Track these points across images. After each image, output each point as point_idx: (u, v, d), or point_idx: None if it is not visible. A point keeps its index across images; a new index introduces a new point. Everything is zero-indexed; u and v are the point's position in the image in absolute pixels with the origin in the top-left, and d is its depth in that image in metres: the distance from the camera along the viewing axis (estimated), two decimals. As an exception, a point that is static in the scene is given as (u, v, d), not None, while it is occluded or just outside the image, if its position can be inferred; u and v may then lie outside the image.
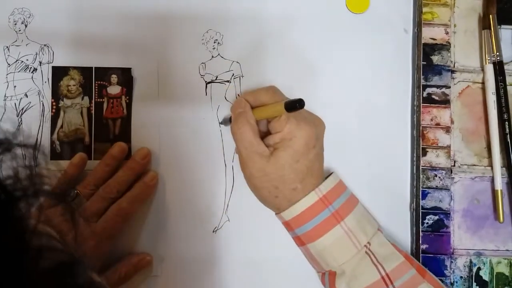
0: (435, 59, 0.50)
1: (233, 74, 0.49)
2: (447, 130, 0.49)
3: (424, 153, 0.49)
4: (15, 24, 0.48)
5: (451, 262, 0.48)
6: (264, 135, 0.44)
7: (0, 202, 0.20)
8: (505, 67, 0.50)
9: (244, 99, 0.44)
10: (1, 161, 0.21)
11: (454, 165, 0.50)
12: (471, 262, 0.48)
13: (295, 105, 0.39)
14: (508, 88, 0.49)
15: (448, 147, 0.49)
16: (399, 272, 0.42)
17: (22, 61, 0.48)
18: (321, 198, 0.42)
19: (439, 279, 0.47)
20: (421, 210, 0.48)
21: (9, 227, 0.19)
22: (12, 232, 0.19)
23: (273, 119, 0.43)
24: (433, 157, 0.49)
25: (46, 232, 0.21)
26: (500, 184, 0.49)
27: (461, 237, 0.49)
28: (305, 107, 0.39)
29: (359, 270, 0.42)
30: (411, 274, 0.42)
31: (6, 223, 0.19)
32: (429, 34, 0.50)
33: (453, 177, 0.49)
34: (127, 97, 0.48)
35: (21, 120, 0.47)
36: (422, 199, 0.48)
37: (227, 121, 0.47)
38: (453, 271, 0.48)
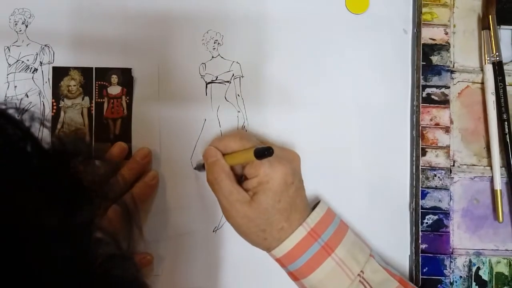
0: (435, 59, 0.50)
1: (233, 75, 0.49)
2: (447, 130, 0.49)
3: (424, 153, 0.49)
4: (16, 25, 0.48)
5: (451, 261, 0.48)
6: (239, 178, 0.44)
7: (77, 200, 0.24)
8: (505, 67, 0.50)
9: (214, 148, 0.44)
10: (80, 164, 0.25)
11: (453, 165, 0.50)
12: (470, 261, 0.49)
13: (264, 153, 0.39)
14: (508, 88, 0.49)
15: (448, 147, 0.49)
16: None
17: (23, 61, 0.48)
18: (309, 232, 0.42)
19: (438, 279, 0.47)
20: (420, 210, 0.48)
21: (80, 220, 0.23)
22: (82, 224, 0.23)
23: (247, 165, 0.42)
24: (433, 157, 0.49)
25: (105, 227, 0.25)
26: (499, 184, 0.49)
27: (460, 237, 0.49)
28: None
29: None
30: None
31: (78, 217, 0.23)
32: (429, 34, 0.50)
33: (453, 177, 0.49)
34: (128, 97, 0.48)
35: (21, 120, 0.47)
36: (421, 199, 0.48)
37: (200, 167, 0.47)
38: (453, 271, 0.48)
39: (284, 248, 0.42)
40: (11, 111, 0.25)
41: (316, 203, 0.45)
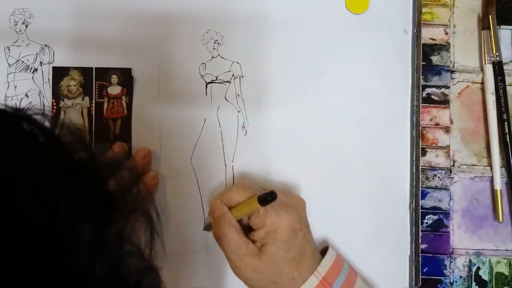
0: (435, 59, 0.50)
1: (233, 74, 0.49)
2: (447, 130, 0.49)
3: (424, 153, 0.49)
4: (16, 25, 0.48)
5: (451, 261, 0.48)
6: (245, 229, 0.43)
7: (109, 213, 0.24)
8: (504, 67, 0.50)
9: (220, 201, 0.43)
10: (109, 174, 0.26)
11: (453, 165, 0.50)
12: (470, 261, 0.49)
13: (267, 199, 0.38)
14: (507, 88, 0.49)
15: (448, 147, 0.49)
16: None
17: (23, 61, 0.48)
18: (321, 281, 0.41)
19: (438, 279, 0.47)
20: (420, 210, 0.48)
21: (113, 232, 0.24)
22: (114, 236, 0.24)
23: (253, 215, 0.41)
24: (433, 157, 0.49)
25: (132, 239, 0.25)
26: (499, 184, 0.49)
27: (460, 237, 0.49)
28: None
29: None
30: None
31: (111, 229, 0.24)
32: (429, 34, 0.50)
33: (453, 177, 0.49)
34: (128, 97, 0.48)
35: (21, 120, 0.47)
36: (421, 199, 0.48)
37: (208, 226, 0.46)
38: (453, 271, 0.48)
39: None
40: (37, 117, 0.24)
41: (323, 248, 0.45)
